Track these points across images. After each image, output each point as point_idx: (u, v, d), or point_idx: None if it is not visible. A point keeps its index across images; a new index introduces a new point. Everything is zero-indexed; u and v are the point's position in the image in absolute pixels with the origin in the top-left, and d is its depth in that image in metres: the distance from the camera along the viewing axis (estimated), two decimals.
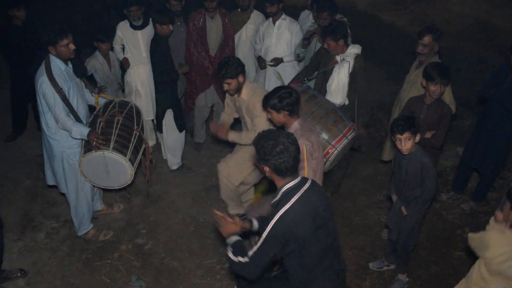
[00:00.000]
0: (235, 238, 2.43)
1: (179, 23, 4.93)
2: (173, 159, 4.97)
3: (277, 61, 4.91)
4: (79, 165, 3.51)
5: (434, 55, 3.84)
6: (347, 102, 3.95)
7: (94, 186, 3.84)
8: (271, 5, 4.77)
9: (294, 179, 2.30)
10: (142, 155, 3.84)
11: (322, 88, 4.09)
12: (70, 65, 3.52)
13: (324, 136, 3.49)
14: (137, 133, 3.71)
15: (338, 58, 3.90)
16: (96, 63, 4.92)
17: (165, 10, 4.48)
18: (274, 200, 2.34)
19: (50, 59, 3.35)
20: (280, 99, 2.91)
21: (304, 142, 2.92)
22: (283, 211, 2.21)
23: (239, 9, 5.07)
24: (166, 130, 4.80)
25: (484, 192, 4.45)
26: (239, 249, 2.37)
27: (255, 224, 2.70)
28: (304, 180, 2.34)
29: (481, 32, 8.78)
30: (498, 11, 9.49)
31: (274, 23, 4.89)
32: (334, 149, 3.49)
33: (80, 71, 4.41)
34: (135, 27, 4.64)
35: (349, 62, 3.83)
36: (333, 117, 3.52)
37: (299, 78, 4.26)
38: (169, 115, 4.71)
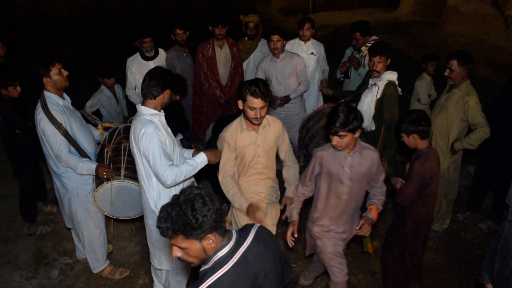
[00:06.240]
0: None
1: (185, 54, 4.99)
2: None
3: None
4: (94, 200, 3.43)
5: (465, 81, 3.78)
6: (373, 128, 3.91)
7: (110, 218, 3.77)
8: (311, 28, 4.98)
9: None
10: None
11: None
12: (68, 98, 3.40)
13: None
14: None
15: (370, 81, 3.89)
16: (103, 98, 4.93)
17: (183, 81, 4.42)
18: None
19: (45, 96, 3.23)
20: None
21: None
22: None
23: (246, 38, 5.13)
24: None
25: (501, 209, 4.43)
26: None
27: None
28: None
29: (478, 51, 8.92)
30: (493, 29, 9.67)
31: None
32: None
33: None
34: (147, 58, 4.69)
35: (378, 87, 3.81)
36: None
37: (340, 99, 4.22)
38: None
